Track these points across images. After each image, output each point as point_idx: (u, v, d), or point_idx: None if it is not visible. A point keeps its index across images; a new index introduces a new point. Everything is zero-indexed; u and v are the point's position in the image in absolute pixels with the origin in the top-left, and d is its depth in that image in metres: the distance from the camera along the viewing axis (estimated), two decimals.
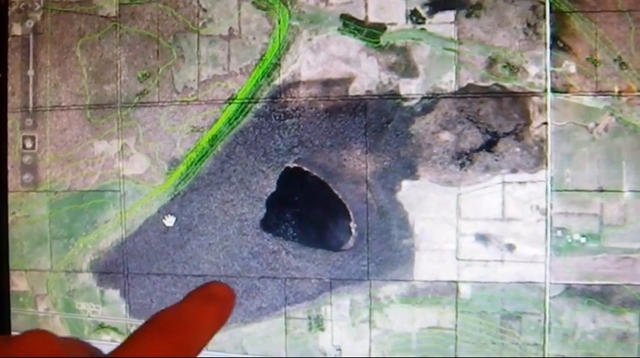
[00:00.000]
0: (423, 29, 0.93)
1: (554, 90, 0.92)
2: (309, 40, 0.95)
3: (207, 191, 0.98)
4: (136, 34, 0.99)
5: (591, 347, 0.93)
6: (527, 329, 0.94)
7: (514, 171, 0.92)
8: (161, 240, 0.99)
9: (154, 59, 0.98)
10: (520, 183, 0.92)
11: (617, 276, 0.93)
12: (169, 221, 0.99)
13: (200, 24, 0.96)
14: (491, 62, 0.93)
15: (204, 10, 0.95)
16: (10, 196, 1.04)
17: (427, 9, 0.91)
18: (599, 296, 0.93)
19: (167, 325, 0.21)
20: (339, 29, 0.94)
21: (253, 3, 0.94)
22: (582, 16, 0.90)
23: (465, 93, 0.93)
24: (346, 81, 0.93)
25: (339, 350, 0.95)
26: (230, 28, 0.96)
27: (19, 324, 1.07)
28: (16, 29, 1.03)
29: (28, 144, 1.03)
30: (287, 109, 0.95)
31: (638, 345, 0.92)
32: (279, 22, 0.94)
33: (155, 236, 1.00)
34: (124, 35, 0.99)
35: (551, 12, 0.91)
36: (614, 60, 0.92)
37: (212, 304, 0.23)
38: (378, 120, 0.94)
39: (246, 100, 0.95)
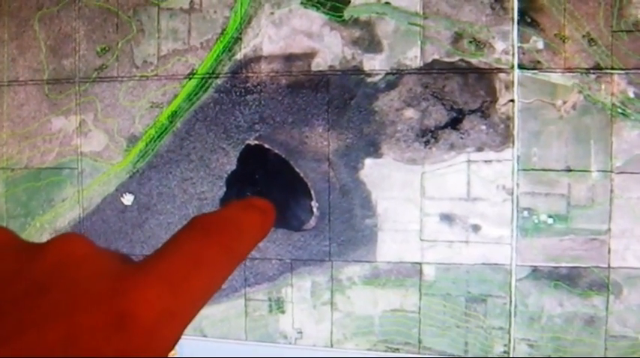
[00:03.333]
0: (387, 3, 0.85)
1: (521, 67, 0.84)
2: (272, 13, 0.86)
3: (166, 169, 0.90)
4: (95, 7, 0.91)
5: (558, 330, 0.85)
6: (492, 312, 0.85)
7: (480, 149, 0.84)
8: (119, 219, 0.93)
9: (114, 33, 0.91)
10: (486, 161, 0.84)
11: (584, 258, 0.84)
12: (128, 199, 0.92)
13: None
14: (457, 37, 0.85)
15: None
16: None
17: None
18: (566, 278, 0.84)
19: (210, 227, 0.19)
20: (301, 2, 0.86)
21: None
22: None
23: (430, 69, 0.85)
24: (309, 56, 0.86)
25: (300, 332, 0.87)
26: (191, 1, 0.88)
27: None
28: None
29: None
30: (248, 85, 0.87)
31: (605, 329, 0.83)
32: None
33: (113, 215, 0.93)
34: (82, 8, 0.92)
35: None
36: (583, 36, 0.83)
37: (254, 211, 0.21)
38: (340, 96, 0.86)
39: (207, 75, 0.87)
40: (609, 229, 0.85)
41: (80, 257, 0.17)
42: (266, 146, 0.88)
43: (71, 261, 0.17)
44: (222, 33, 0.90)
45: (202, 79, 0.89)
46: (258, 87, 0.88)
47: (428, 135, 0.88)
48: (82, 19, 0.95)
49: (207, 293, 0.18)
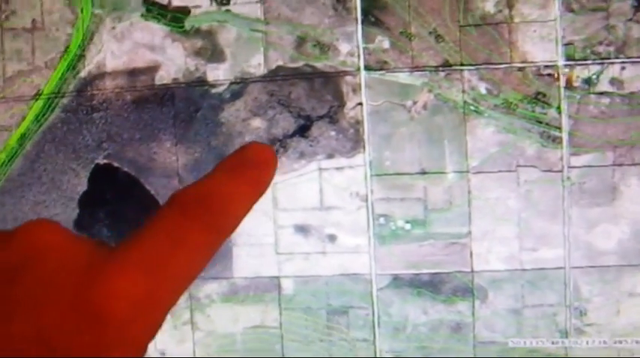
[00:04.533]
0: (228, 10, 0.78)
1: (367, 68, 0.75)
2: (113, 28, 0.79)
3: (18, 193, 0.84)
4: None
5: (424, 339, 0.78)
6: (355, 324, 0.78)
7: (330, 156, 0.77)
8: None
9: None
10: (337, 168, 0.77)
11: (446, 263, 0.76)
12: None
13: (3, 17, 0.84)
14: (301, 41, 0.76)
15: (7, 2, 0.84)
16: None
17: None
18: (429, 285, 0.76)
19: (189, 202, 0.17)
20: (142, 15, 0.79)
21: None
22: None
23: (275, 75, 0.77)
24: (152, 69, 0.79)
25: (163, 354, 0.82)
26: (33, 20, 0.82)
27: None
28: None
29: None
30: (94, 102, 0.80)
31: (473, 335, 0.77)
32: (82, 11, 0.80)
33: None
34: None
35: None
36: (430, 33, 0.74)
37: (245, 171, 0.18)
38: (186, 109, 0.79)
39: (53, 95, 0.81)
40: (470, 232, 0.75)
41: (49, 246, 0.16)
42: (115, 164, 0.84)
43: (39, 250, 0.16)
44: (65, 51, 0.85)
45: (48, 99, 0.84)
46: (104, 104, 0.84)
47: (276, 145, 0.82)
48: None
49: (189, 276, 0.16)
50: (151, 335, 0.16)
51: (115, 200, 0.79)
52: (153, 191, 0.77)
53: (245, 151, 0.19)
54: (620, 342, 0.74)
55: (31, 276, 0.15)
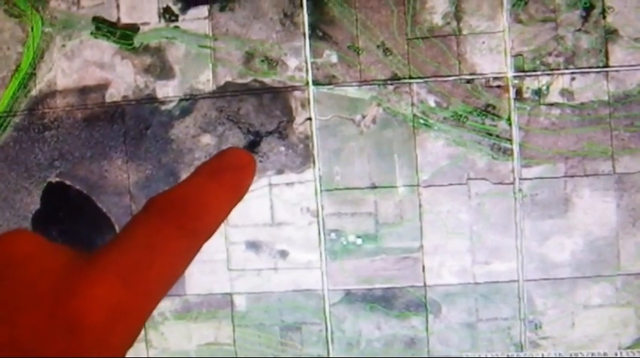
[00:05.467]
0: (176, 27, 0.77)
1: (316, 83, 0.74)
2: (63, 46, 0.79)
3: None
4: None
5: (378, 355, 0.77)
6: (308, 340, 0.76)
7: (280, 171, 0.76)
8: None
9: None
10: (288, 184, 0.76)
11: (398, 278, 0.74)
12: None
13: None
14: (249, 57, 0.75)
15: None
16: None
17: (180, 5, 0.78)
18: (382, 300, 0.75)
19: (166, 207, 0.17)
20: (91, 33, 0.78)
21: (5, 11, 0.82)
22: (341, 1, 0.75)
23: (224, 91, 0.76)
24: (102, 87, 0.78)
25: None
26: None
27: None
28: None
29: None
30: (45, 121, 0.80)
31: (428, 350, 0.75)
32: (32, 30, 0.80)
33: None
34: None
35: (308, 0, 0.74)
36: (378, 46, 0.74)
37: (223, 175, 0.18)
38: (136, 126, 0.78)
39: (5, 114, 0.81)
40: (421, 246, 0.74)
41: (26, 254, 0.16)
42: (67, 183, 0.83)
43: (16, 259, 0.15)
44: (16, 69, 0.84)
45: (0, 117, 0.84)
46: (55, 122, 0.83)
47: None
48: None
49: (167, 282, 0.16)
50: (129, 343, 0.15)
51: (68, 218, 0.78)
52: (105, 209, 0.76)
53: (223, 156, 0.18)
54: (576, 355, 0.72)
55: (7, 284, 0.15)
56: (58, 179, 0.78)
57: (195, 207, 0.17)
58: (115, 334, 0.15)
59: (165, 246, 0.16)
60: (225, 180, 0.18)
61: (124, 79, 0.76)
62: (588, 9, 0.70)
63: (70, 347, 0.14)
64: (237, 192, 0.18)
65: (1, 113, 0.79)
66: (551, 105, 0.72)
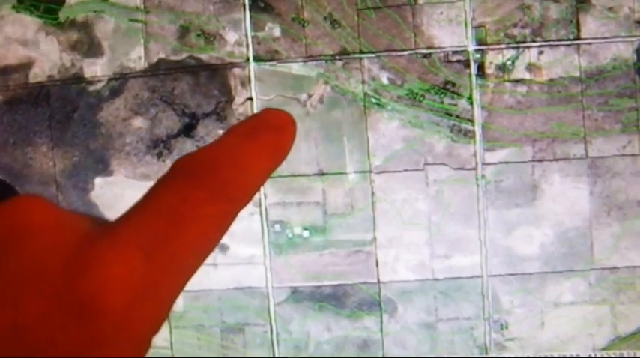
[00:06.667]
0: None
1: (257, 59, 0.67)
2: None
3: None
4: None
5: None
6: (252, 342, 0.69)
7: None
8: None
9: None
10: None
11: (349, 274, 0.67)
12: None
13: None
14: (184, 31, 0.68)
15: None
16: None
17: None
18: (332, 299, 0.68)
19: (195, 169, 0.15)
20: (13, 7, 0.71)
21: None
22: None
23: (157, 69, 0.69)
24: (25, 66, 0.71)
25: None
26: None
27: None
28: None
29: None
30: None
31: (382, 353, 0.68)
32: None
33: None
34: None
35: None
36: (325, 18, 0.66)
37: (259, 135, 0.16)
38: (62, 109, 0.71)
39: None
40: (375, 238, 0.67)
41: (37, 226, 0.14)
42: None
43: (24, 232, 0.14)
44: None
45: None
46: None
47: (160, 146, 0.73)
48: None
49: (198, 255, 0.14)
50: (155, 329, 0.14)
51: None
52: None
53: (260, 116, 0.17)
54: (546, 357, 0.65)
55: (13, 261, 0.13)
56: None
57: (228, 169, 0.16)
58: (137, 319, 0.13)
59: (194, 213, 0.14)
60: (263, 139, 0.17)
61: (48, 57, 0.68)
62: None
63: (81, 336, 0.12)
64: (277, 153, 0.17)
65: None
66: (517, 81, 0.65)
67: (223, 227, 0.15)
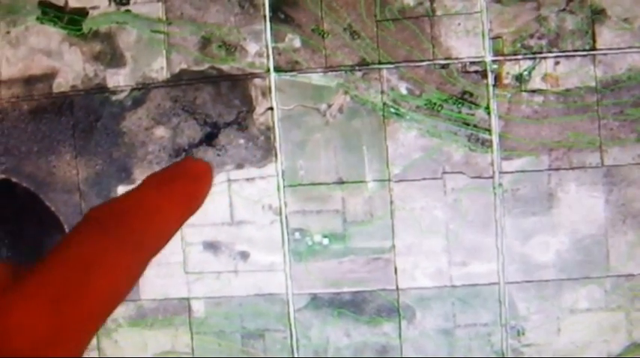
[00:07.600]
0: (127, 11, 0.70)
1: (277, 70, 0.67)
2: (8, 33, 0.72)
3: None
4: None
5: None
6: (272, 348, 0.70)
7: (240, 166, 0.69)
8: None
9: None
10: (248, 179, 0.69)
11: (368, 281, 0.68)
12: None
13: None
14: (205, 42, 0.69)
15: None
16: None
17: None
18: (351, 305, 0.68)
19: (108, 218, 0.15)
20: (37, 18, 0.72)
21: None
22: None
23: (179, 80, 0.69)
24: (49, 76, 0.72)
25: None
26: None
27: None
28: None
29: None
30: None
31: None
32: None
33: None
34: None
35: None
36: (344, 29, 0.67)
37: (174, 184, 0.16)
38: (86, 118, 0.71)
39: None
40: (393, 246, 0.67)
41: None
42: (13, 180, 0.77)
43: None
44: None
45: None
46: (0, 115, 0.77)
47: (182, 155, 0.74)
48: None
49: (108, 303, 0.14)
50: None
51: (15, 217, 0.71)
52: (53, 207, 0.69)
53: (178, 164, 0.17)
54: None
55: None
56: (3, 176, 0.71)
57: (138, 218, 0.15)
58: None
59: (102, 261, 0.14)
60: (177, 189, 0.16)
61: (72, 67, 0.69)
62: None
63: None
64: (190, 203, 0.17)
65: None
66: (534, 91, 0.65)
67: (133, 275, 0.15)
